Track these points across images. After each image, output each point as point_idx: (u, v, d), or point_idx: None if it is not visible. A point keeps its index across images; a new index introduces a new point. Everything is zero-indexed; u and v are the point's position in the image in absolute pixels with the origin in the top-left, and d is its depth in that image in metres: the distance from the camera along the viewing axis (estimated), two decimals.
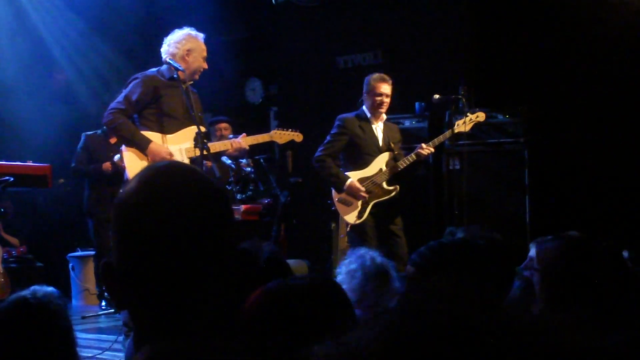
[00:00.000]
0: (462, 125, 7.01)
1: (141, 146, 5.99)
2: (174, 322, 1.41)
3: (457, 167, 7.64)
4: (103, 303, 9.06)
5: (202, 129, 6.01)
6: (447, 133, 7.04)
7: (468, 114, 7.05)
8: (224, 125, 9.20)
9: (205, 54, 6.19)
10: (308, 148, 9.62)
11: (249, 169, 8.97)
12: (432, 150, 6.91)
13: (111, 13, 10.63)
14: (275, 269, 2.81)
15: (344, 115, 7.14)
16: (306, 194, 9.66)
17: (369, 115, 7.04)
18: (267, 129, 11.32)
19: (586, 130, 7.95)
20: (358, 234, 6.95)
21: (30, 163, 8.23)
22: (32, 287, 2.72)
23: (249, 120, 11.24)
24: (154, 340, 1.39)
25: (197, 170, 1.62)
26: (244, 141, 6.34)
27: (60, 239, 10.56)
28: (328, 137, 7.18)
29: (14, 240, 9.64)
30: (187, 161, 5.94)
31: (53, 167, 8.47)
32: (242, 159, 8.79)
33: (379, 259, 3.73)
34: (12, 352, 2.58)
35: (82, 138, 8.94)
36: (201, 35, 6.24)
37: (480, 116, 7.11)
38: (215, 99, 10.69)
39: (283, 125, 9.83)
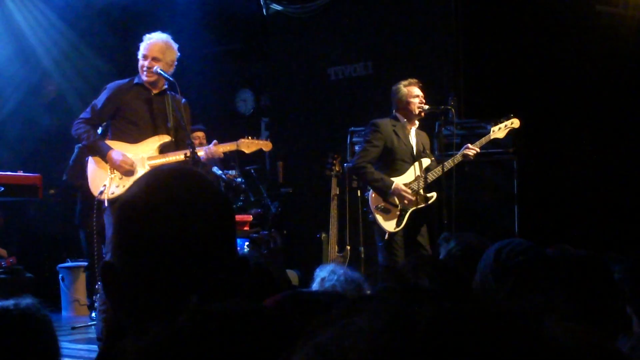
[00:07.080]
0: (498, 131, 6.97)
1: (101, 153, 6.03)
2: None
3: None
4: (93, 314, 9.00)
5: (167, 138, 6.06)
6: (484, 138, 6.94)
7: (503, 121, 6.99)
8: (201, 134, 9.11)
9: (144, 51, 6.13)
10: (298, 158, 9.67)
11: (239, 179, 8.96)
12: (478, 150, 6.81)
13: (102, 25, 10.64)
14: (261, 279, 2.81)
15: (378, 120, 6.95)
16: (297, 205, 9.66)
17: (403, 120, 6.94)
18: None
19: (575, 141, 7.99)
20: (387, 244, 6.76)
21: (20, 173, 8.21)
22: (16, 299, 2.68)
23: (239, 131, 11.23)
24: None
25: (202, 174, 1.64)
26: (216, 148, 6.15)
27: (50, 250, 10.51)
28: (363, 144, 6.99)
29: (1, 252, 9.58)
30: (148, 169, 5.79)
31: (43, 177, 8.44)
32: (232, 170, 8.80)
33: (350, 273, 3.73)
34: None
35: (75, 150, 8.88)
36: (147, 36, 6.22)
37: (515, 122, 6.99)
38: (206, 109, 10.70)
39: (274, 136, 9.89)
